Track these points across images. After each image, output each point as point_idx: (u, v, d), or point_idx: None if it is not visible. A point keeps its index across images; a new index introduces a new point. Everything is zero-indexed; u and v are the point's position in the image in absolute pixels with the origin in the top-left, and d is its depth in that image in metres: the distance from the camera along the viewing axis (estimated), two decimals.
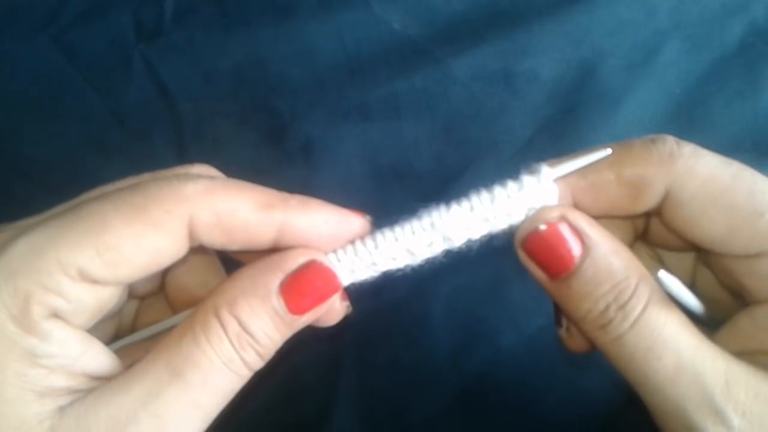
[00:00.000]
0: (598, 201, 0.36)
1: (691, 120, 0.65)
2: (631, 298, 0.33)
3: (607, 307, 0.33)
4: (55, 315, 0.31)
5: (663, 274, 0.35)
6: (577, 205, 0.36)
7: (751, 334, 0.34)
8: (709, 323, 0.37)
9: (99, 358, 0.33)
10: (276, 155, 0.67)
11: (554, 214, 0.34)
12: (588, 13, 0.64)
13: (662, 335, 0.32)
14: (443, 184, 0.65)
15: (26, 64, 0.67)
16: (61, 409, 0.30)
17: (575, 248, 0.34)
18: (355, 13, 0.65)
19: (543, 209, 0.35)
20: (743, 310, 0.35)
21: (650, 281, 0.34)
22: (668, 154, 0.34)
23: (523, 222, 0.36)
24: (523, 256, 0.36)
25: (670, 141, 0.34)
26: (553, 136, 0.65)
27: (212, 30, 0.67)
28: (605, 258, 0.33)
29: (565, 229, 0.34)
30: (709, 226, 0.34)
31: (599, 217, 0.36)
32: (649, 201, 0.35)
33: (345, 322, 0.38)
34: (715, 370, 0.31)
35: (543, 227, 0.34)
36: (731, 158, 0.35)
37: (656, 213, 0.36)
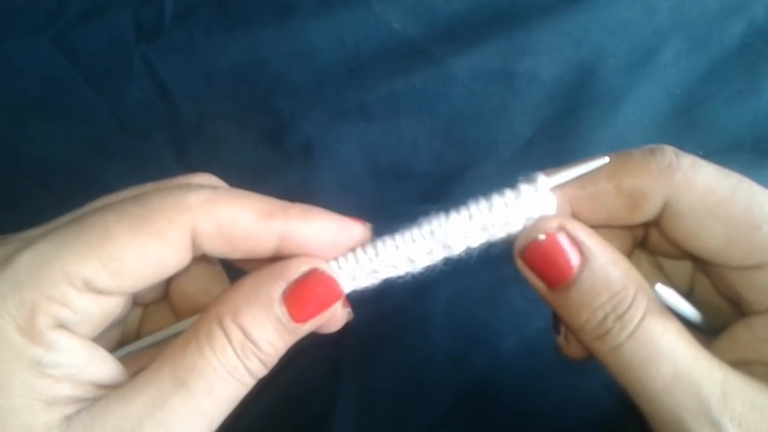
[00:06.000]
0: (597, 211, 0.36)
1: (691, 120, 0.65)
2: (629, 308, 0.33)
3: (605, 317, 0.33)
4: (61, 325, 0.31)
5: (660, 288, 0.35)
6: (575, 216, 0.36)
7: (749, 344, 0.35)
8: (708, 332, 0.38)
9: (104, 366, 0.33)
10: (276, 155, 0.67)
11: (553, 225, 0.34)
12: (588, 13, 0.64)
13: (660, 345, 0.32)
14: (443, 184, 0.65)
15: (26, 64, 0.67)
16: (68, 418, 0.31)
17: (574, 258, 0.34)
18: (355, 13, 0.65)
19: (542, 219, 0.35)
20: (740, 320, 0.36)
21: (648, 291, 0.34)
22: (667, 166, 0.34)
23: (521, 231, 0.36)
24: (521, 265, 0.36)
25: (669, 152, 0.34)
26: (553, 136, 0.65)
27: (212, 30, 0.67)
28: (603, 268, 0.33)
29: (563, 240, 0.34)
30: (708, 237, 0.34)
31: (598, 227, 0.36)
32: (647, 212, 0.35)
33: (346, 328, 0.39)
34: (712, 381, 0.32)
35: (542, 237, 0.34)
36: (731, 159, 0.35)
37: (655, 224, 0.36)
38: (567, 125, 0.65)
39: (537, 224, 0.35)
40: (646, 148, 0.35)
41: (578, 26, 0.64)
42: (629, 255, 0.40)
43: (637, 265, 0.35)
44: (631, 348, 0.32)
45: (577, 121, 0.65)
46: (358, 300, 0.39)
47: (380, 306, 0.59)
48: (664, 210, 0.35)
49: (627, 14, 0.64)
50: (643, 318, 0.33)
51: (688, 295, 0.39)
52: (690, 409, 0.31)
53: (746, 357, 0.34)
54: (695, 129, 0.65)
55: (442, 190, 0.65)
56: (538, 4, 0.64)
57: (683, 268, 0.41)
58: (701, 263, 0.38)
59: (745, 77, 0.64)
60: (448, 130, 0.66)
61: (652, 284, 0.35)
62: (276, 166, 0.67)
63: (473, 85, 0.66)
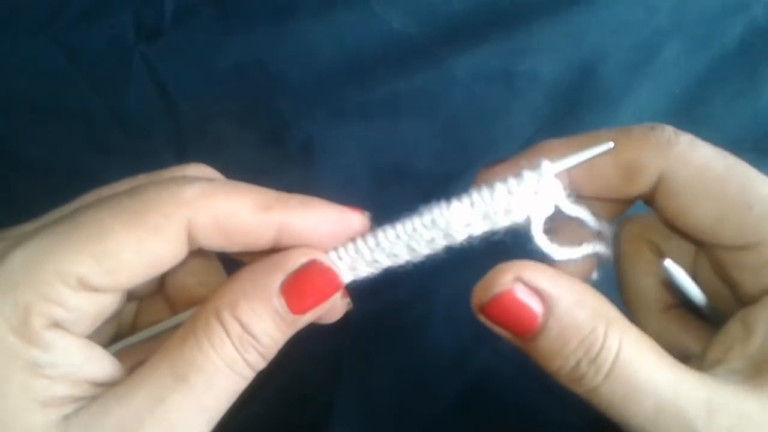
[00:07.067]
0: (593, 182, 0.36)
1: (691, 120, 0.65)
2: (601, 350, 0.31)
3: (578, 363, 0.31)
4: (56, 324, 0.30)
5: (669, 263, 0.35)
6: (572, 185, 0.36)
7: (742, 337, 0.34)
8: (712, 315, 0.37)
9: (101, 364, 0.32)
10: (276, 155, 0.67)
11: (507, 278, 0.32)
12: (588, 13, 0.64)
13: (638, 381, 0.31)
14: (443, 184, 0.65)
15: (26, 64, 0.67)
16: (66, 418, 0.30)
17: (536, 308, 0.32)
18: (355, 13, 0.65)
19: (496, 271, 0.33)
20: (734, 317, 0.35)
21: (620, 323, 0.32)
22: (665, 141, 0.34)
23: (511, 227, 0.35)
24: (484, 320, 0.34)
25: (669, 129, 0.35)
26: (553, 136, 0.65)
27: (212, 30, 0.67)
28: (569, 313, 0.32)
29: (521, 291, 0.32)
30: (700, 214, 0.34)
31: (592, 198, 0.36)
32: (642, 184, 0.35)
33: (346, 320, 0.38)
34: (695, 403, 0.31)
35: (497, 291, 0.32)
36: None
37: (649, 200, 0.36)
38: (567, 125, 0.65)
39: (491, 278, 0.33)
40: (647, 125, 0.35)
41: (578, 26, 0.64)
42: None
43: (639, 250, 0.34)
44: (609, 389, 0.31)
45: (577, 121, 0.65)
46: (358, 297, 0.38)
47: (381, 303, 0.59)
48: (659, 185, 0.35)
49: (627, 14, 0.65)
50: (616, 357, 0.31)
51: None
52: None
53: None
54: (695, 129, 0.64)
55: (443, 190, 0.64)
56: (538, 4, 0.65)
57: (684, 256, 0.40)
58: (694, 244, 0.38)
59: (745, 77, 0.65)
60: (448, 130, 0.66)
61: (659, 263, 0.35)
62: (276, 166, 0.67)
63: (473, 85, 0.66)
